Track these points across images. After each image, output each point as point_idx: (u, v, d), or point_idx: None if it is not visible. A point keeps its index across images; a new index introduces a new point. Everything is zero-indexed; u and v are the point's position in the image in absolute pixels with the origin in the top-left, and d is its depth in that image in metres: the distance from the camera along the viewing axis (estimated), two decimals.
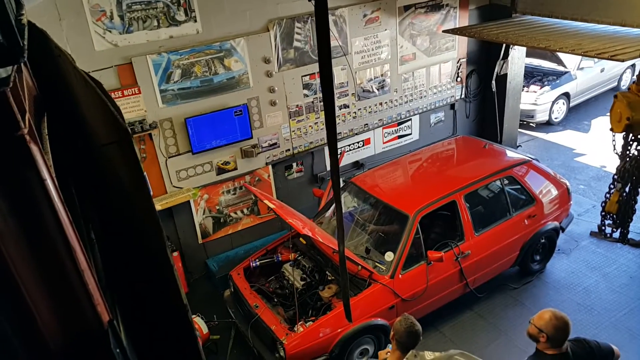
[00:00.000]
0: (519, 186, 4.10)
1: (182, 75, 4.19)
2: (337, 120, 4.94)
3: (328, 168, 5.11)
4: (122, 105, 3.95)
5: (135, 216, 0.78)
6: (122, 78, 3.94)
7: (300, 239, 3.97)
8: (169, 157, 4.33)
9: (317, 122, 4.97)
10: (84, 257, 0.59)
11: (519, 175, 4.12)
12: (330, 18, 4.29)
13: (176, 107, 4.25)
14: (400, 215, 3.72)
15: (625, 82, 7.71)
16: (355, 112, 5.23)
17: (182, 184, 4.45)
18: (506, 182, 4.08)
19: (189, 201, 4.46)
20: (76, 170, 0.82)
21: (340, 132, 5.11)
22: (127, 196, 0.78)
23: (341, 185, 4.03)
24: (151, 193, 1.13)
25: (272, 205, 3.43)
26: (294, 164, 5.07)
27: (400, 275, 3.54)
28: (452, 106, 5.96)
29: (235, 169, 4.68)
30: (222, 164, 4.62)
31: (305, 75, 4.76)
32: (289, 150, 4.90)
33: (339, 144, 4.89)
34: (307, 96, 4.85)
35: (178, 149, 4.36)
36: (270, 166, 4.85)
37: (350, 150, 5.40)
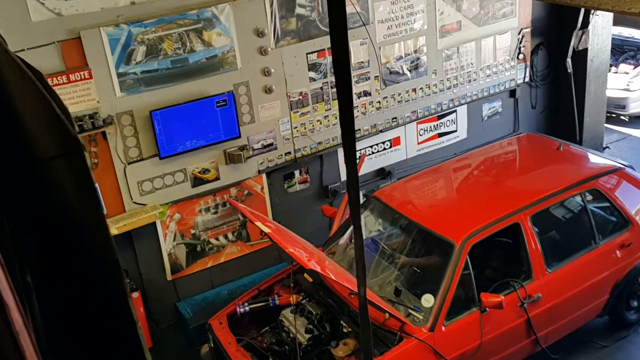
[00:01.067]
0: (607, 204, 4.04)
1: (147, 54, 4.35)
2: (356, 113, 5.16)
3: (343, 178, 5.23)
4: (67, 95, 4.07)
5: (85, 251, 0.80)
6: (67, 58, 4.07)
7: (305, 275, 3.97)
8: (128, 163, 4.49)
9: (327, 116, 5.11)
10: (19, 314, 0.60)
11: (606, 189, 4.06)
12: None
13: (139, 97, 4.41)
14: (442, 243, 3.65)
15: None
16: (379, 102, 5.34)
17: (146, 200, 4.59)
18: (589, 197, 4.02)
19: (154, 223, 4.58)
20: (8, 192, 0.81)
21: (360, 129, 5.20)
22: (76, 225, 0.80)
23: (361, 201, 4.14)
24: (105, 213, 1.21)
25: (266, 229, 3.46)
26: (297, 172, 5.22)
27: (443, 327, 3.45)
28: (513, 93, 6.02)
29: (217, 178, 4.81)
30: (199, 173, 4.79)
31: (311, 53, 4.91)
32: (289, 153, 5.04)
33: (358, 145, 5.03)
34: (314, 80, 4.99)
35: (141, 152, 4.53)
36: (264, 175, 4.99)
37: (373, 153, 5.50)
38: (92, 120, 4.23)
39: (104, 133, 4.35)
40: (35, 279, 0.84)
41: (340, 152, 5.00)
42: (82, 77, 4.13)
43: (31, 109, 0.79)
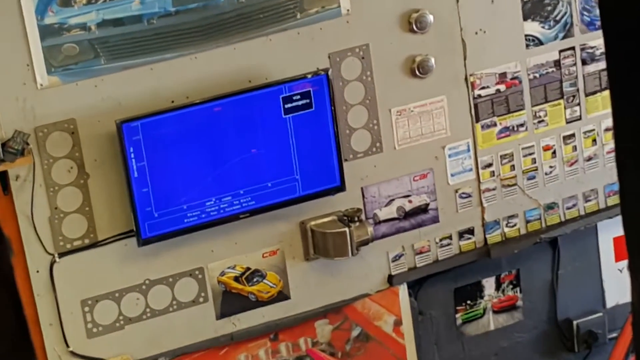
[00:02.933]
0: None
1: None
2: None
3: (611, 300, 3.89)
4: None
5: None
6: None
7: None
8: (60, 255, 3.23)
9: (572, 137, 3.66)
10: None
11: None
12: None
13: (91, 87, 3.13)
14: None
15: None
16: None
17: (104, 347, 3.34)
18: None
19: None
20: None
21: None
22: None
23: None
24: None
25: None
26: (488, 283, 3.83)
27: None
28: None
29: (283, 296, 3.51)
30: (237, 281, 3.38)
31: None
32: (468, 233, 3.63)
33: None
34: (538, 44, 3.54)
35: (93, 227, 3.26)
36: (402, 289, 3.65)
37: None
38: None
39: (3, 178, 3.11)
40: None
41: (605, 232, 3.68)
42: None
43: None
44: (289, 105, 2.95)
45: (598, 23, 3.16)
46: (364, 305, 3.24)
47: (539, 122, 3.23)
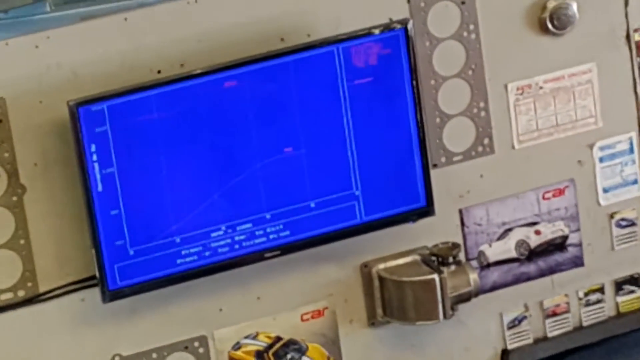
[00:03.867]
0: None
1: None
2: None
3: None
4: None
5: None
6: None
7: None
8: None
9: None
10: None
11: None
12: None
13: (28, 47, 2.74)
14: None
15: None
16: None
17: None
18: None
19: None
20: None
21: None
22: None
23: None
24: None
25: None
26: None
27: None
28: None
29: None
30: (262, 358, 2.94)
31: None
32: (633, 282, 3.45)
33: None
34: None
35: (32, 273, 2.90)
36: None
37: None
38: None
39: None
40: None
41: None
42: None
43: None
44: (346, 78, 2.37)
45: None
46: None
47: None
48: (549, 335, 2.66)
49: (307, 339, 2.51)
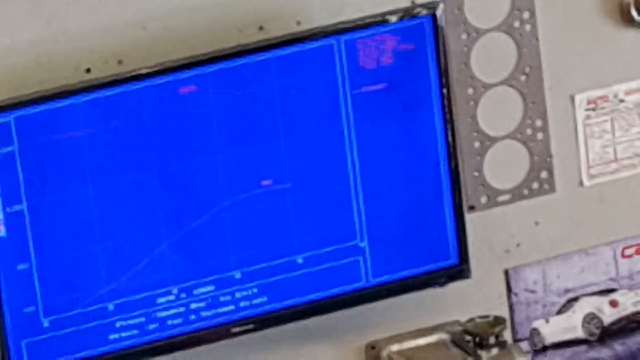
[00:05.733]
0: None
1: None
2: None
3: None
4: None
5: None
6: None
7: None
8: None
9: None
10: None
11: None
12: None
13: None
14: None
15: None
16: None
17: None
18: None
19: None
20: None
21: None
22: None
23: None
24: None
25: None
26: None
27: None
28: None
29: None
30: None
31: None
32: None
33: None
34: None
35: None
36: None
37: None
38: None
39: None
40: None
41: None
42: None
43: None
44: (349, 84, 2.06)
45: None
46: None
47: None
48: None
49: None
